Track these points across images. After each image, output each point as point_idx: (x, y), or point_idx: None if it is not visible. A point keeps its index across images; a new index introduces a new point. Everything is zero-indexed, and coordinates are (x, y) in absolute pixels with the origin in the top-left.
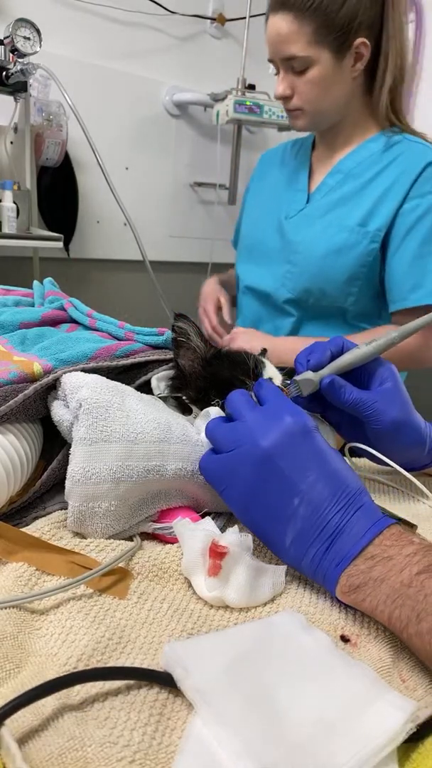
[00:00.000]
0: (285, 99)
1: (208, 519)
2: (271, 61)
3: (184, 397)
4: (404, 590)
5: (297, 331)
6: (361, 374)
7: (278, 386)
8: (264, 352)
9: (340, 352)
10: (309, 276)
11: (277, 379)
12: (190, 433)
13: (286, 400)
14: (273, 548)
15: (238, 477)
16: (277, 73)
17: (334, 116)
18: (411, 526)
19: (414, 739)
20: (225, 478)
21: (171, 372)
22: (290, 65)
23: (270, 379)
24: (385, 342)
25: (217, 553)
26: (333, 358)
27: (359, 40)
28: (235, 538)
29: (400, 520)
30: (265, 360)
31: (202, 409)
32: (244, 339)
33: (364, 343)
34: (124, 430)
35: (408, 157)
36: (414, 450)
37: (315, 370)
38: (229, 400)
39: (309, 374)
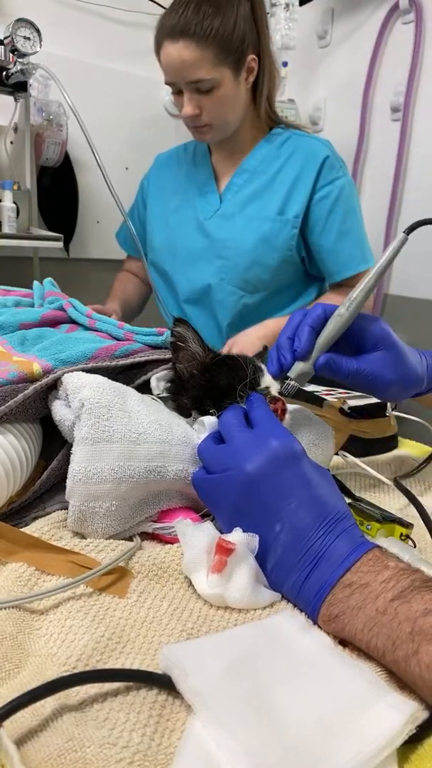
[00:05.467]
0: (194, 117)
1: (208, 522)
2: (170, 84)
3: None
4: (379, 618)
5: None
6: (351, 337)
7: (275, 395)
8: (265, 350)
9: (323, 322)
10: (244, 267)
11: (275, 386)
12: (191, 435)
13: (275, 422)
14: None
15: (225, 499)
16: (176, 93)
17: (234, 126)
18: (407, 526)
19: (413, 741)
20: (213, 498)
21: (170, 373)
22: (195, 87)
23: (267, 387)
24: (361, 294)
25: (225, 549)
26: (316, 332)
27: (250, 56)
28: (242, 538)
29: (396, 520)
30: (263, 366)
31: (199, 414)
32: (243, 340)
33: (342, 306)
34: (126, 430)
35: (305, 151)
36: (413, 391)
37: (303, 357)
38: (221, 421)
39: (301, 365)
